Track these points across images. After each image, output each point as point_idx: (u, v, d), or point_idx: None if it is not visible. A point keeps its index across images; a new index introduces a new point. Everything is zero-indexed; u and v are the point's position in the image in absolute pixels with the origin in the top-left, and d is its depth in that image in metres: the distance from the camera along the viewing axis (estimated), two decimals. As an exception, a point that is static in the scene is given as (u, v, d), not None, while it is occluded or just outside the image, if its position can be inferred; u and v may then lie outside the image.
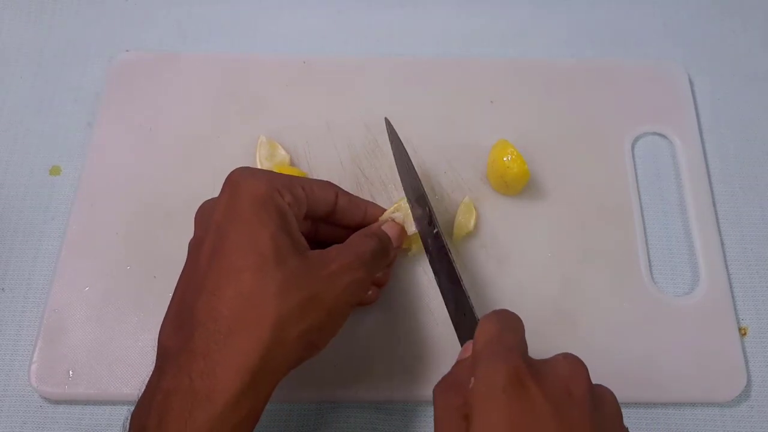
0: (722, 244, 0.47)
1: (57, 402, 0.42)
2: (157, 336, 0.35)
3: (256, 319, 0.32)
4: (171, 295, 0.44)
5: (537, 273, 0.45)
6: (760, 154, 0.51)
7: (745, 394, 0.43)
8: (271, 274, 0.33)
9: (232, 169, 0.48)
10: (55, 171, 0.50)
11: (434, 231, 0.41)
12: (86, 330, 0.43)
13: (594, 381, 0.31)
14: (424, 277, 0.45)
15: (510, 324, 0.33)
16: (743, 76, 0.54)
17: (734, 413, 0.42)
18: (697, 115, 0.51)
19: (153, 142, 0.50)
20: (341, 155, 0.49)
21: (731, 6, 0.57)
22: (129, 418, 0.33)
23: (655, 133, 0.51)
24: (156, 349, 0.34)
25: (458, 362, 0.34)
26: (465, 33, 0.56)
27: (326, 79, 0.52)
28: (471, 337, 0.33)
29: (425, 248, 0.41)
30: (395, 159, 0.45)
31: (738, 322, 0.44)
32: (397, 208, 0.43)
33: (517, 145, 0.45)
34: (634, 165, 0.49)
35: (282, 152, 0.48)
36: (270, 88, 0.52)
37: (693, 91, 0.52)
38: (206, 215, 0.36)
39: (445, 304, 0.40)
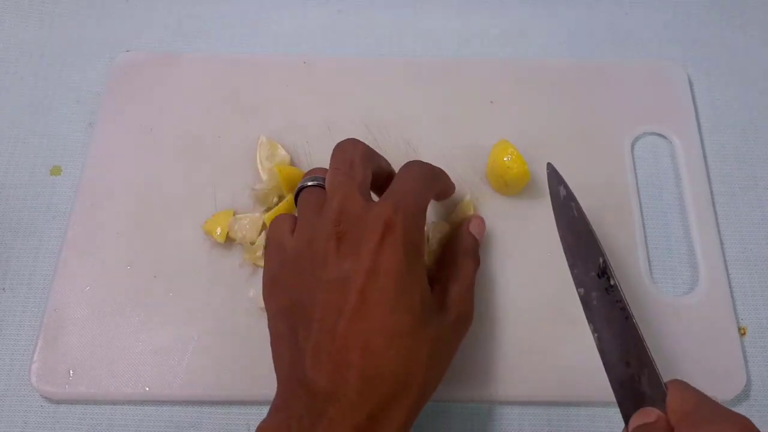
0: (722, 244, 0.47)
1: (57, 402, 0.43)
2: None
3: (413, 381, 0.34)
4: (172, 294, 0.44)
5: (537, 273, 0.45)
6: (759, 155, 0.51)
7: (745, 394, 0.43)
8: (422, 338, 0.34)
9: (232, 168, 0.49)
10: (55, 171, 0.50)
11: (610, 283, 0.36)
12: (87, 330, 0.43)
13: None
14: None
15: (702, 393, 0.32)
16: (743, 77, 0.54)
17: (734, 413, 0.42)
18: (697, 115, 0.51)
19: (153, 142, 0.50)
20: (341, 155, 0.49)
21: (731, 6, 0.57)
22: None
23: (654, 134, 0.51)
24: (288, 375, 0.34)
25: (643, 427, 0.32)
26: (465, 33, 0.56)
27: (326, 79, 0.52)
28: (648, 403, 0.32)
29: (583, 301, 0.37)
30: (553, 203, 0.40)
31: (737, 322, 0.44)
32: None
33: (517, 145, 0.45)
34: (634, 165, 0.49)
35: (282, 152, 0.48)
36: (270, 88, 0.52)
37: (692, 92, 0.52)
38: (347, 251, 0.34)
39: (606, 366, 0.35)
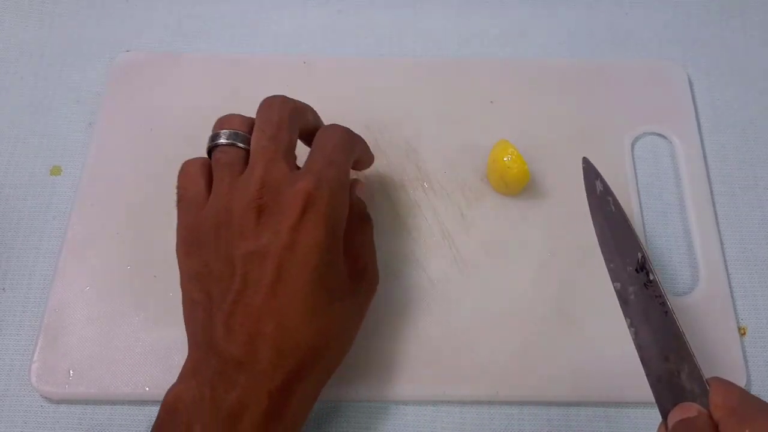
0: (722, 243, 0.47)
1: (57, 402, 0.43)
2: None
3: (327, 354, 0.35)
4: (172, 294, 0.44)
5: (537, 273, 0.45)
6: (759, 155, 0.51)
7: (745, 393, 0.43)
8: (337, 314, 0.35)
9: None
10: (55, 171, 0.50)
11: (650, 278, 0.36)
12: (87, 330, 0.43)
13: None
14: (423, 276, 0.45)
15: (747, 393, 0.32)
16: (743, 77, 0.54)
17: (734, 413, 0.42)
18: (697, 115, 0.51)
19: (153, 142, 0.50)
20: (341, 155, 0.49)
21: (731, 6, 0.57)
22: (167, 402, 0.34)
23: (654, 134, 0.51)
24: (200, 340, 0.35)
25: (685, 421, 0.31)
26: (465, 33, 0.56)
27: (326, 79, 0.52)
28: (687, 398, 0.32)
29: (620, 296, 0.36)
30: (588, 198, 0.40)
31: (737, 322, 0.44)
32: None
33: (517, 145, 0.45)
34: (634, 165, 0.49)
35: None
36: (270, 88, 0.52)
37: (692, 92, 0.52)
38: (266, 225, 0.34)
39: (643, 362, 0.34)
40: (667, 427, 0.32)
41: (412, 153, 0.49)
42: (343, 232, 0.37)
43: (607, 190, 0.39)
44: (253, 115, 0.40)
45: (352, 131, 0.41)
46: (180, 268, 0.38)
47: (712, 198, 0.48)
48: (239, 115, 0.39)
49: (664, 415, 0.32)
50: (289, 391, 0.34)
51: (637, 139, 0.50)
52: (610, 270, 0.37)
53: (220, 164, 0.38)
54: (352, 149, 0.40)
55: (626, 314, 0.35)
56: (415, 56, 0.54)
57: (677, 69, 0.53)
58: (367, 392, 0.42)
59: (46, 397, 0.42)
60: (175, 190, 0.39)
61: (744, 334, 0.44)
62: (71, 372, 0.42)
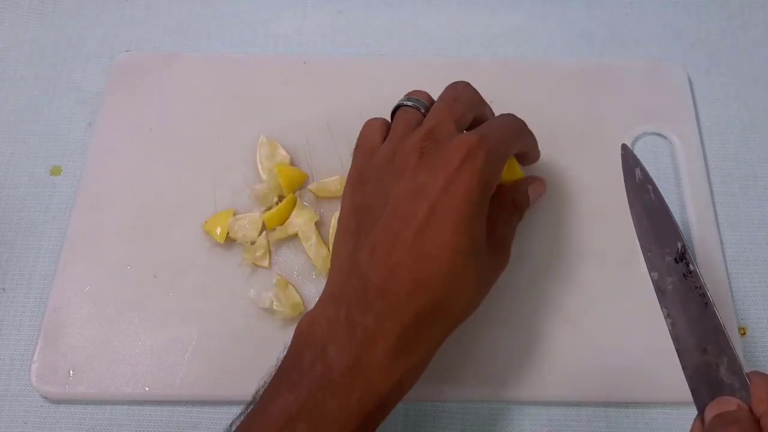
0: (722, 244, 0.47)
1: (57, 402, 0.43)
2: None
3: (458, 301, 0.36)
4: (172, 294, 0.44)
5: (537, 273, 0.45)
6: (759, 155, 0.51)
7: (745, 393, 0.43)
8: (474, 264, 0.36)
9: (232, 168, 0.49)
10: (55, 171, 0.50)
11: (689, 268, 0.35)
12: (87, 330, 0.43)
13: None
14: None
15: None
16: (743, 77, 0.54)
17: (734, 413, 0.42)
18: (697, 115, 0.51)
19: (153, 142, 0.50)
20: (341, 155, 0.49)
21: (731, 6, 0.57)
22: (301, 326, 0.36)
23: (654, 133, 0.51)
24: (343, 263, 0.36)
25: (724, 415, 0.30)
26: (465, 33, 0.56)
27: (326, 79, 0.52)
28: (726, 392, 0.31)
29: (657, 285, 0.35)
30: (627, 185, 0.39)
31: (737, 322, 0.44)
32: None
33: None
34: (634, 165, 0.49)
35: (282, 152, 0.48)
36: (270, 88, 0.52)
37: (692, 91, 0.52)
38: (427, 165, 0.36)
39: (680, 353, 0.34)
40: (703, 422, 0.31)
41: (412, 153, 0.49)
42: (490, 196, 0.38)
43: (646, 178, 0.38)
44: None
45: (524, 123, 0.42)
46: (342, 205, 0.40)
47: (712, 198, 0.48)
48: (424, 91, 0.42)
49: (701, 409, 0.31)
50: (420, 327, 0.34)
51: (637, 138, 0.50)
52: (647, 259, 0.36)
53: (398, 119, 0.41)
54: (521, 133, 0.42)
55: (663, 304, 0.35)
56: (415, 56, 0.54)
57: (677, 69, 0.53)
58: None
59: (46, 397, 0.42)
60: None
61: (744, 334, 0.44)
62: (71, 372, 0.42)
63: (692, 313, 0.34)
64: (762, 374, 0.31)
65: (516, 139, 0.41)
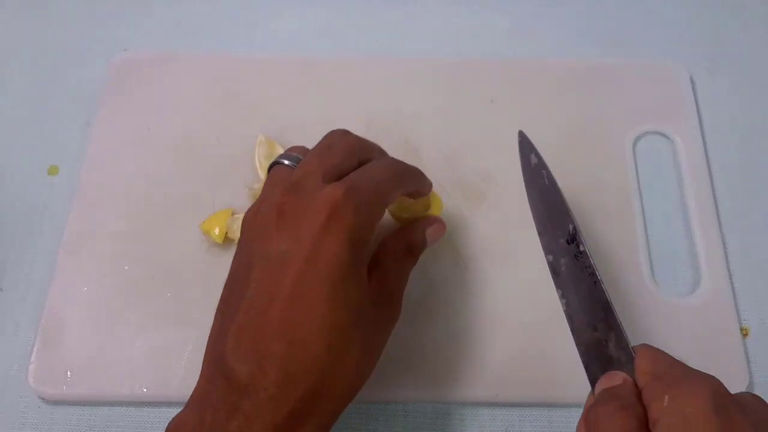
0: (724, 243, 0.46)
1: (55, 403, 0.42)
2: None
3: (342, 380, 0.32)
4: (170, 295, 0.44)
5: (537, 273, 0.45)
6: (762, 154, 0.51)
7: (747, 394, 0.42)
8: (356, 335, 0.32)
9: (231, 168, 0.49)
10: (53, 171, 0.50)
11: (580, 249, 0.36)
12: (85, 331, 0.43)
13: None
14: (423, 277, 0.44)
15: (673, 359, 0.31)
16: (745, 76, 0.54)
17: (736, 414, 0.42)
18: (699, 114, 0.51)
19: (152, 142, 0.49)
20: (341, 155, 0.49)
21: (732, 5, 0.57)
22: None
23: (656, 133, 0.51)
24: (212, 359, 0.32)
25: (608, 390, 0.31)
26: (465, 33, 0.56)
27: (326, 79, 0.52)
28: (615, 367, 0.32)
29: (552, 268, 0.36)
30: (523, 171, 0.40)
31: (740, 323, 0.44)
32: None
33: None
34: (635, 165, 0.49)
35: (281, 152, 0.48)
36: (270, 88, 0.52)
37: (695, 91, 0.52)
38: (287, 231, 0.33)
39: (573, 332, 0.34)
40: (594, 397, 0.31)
41: (412, 152, 0.49)
42: (369, 252, 0.35)
43: (541, 164, 0.39)
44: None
45: (407, 164, 0.39)
46: None
47: (714, 197, 0.48)
48: (305, 147, 0.39)
49: (593, 383, 0.32)
50: (298, 422, 0.31)
51: (638, 138, 0.50)
52: (543, 242, 0.37)
53: (268, 178, 0.38)
54: (402, 177, 0.38)
55: (558, 285, 0.35)
56: (415, 56, 0.54)
57: (679, 68, 0.53)
58: (366, 394, 0.41)
59: (43, 399, 0.42)
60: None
61: (746, 334, 0.44)
62: (69, 373, 0.42)
63: (583, 292, 0.35)
64: (647, 346, 0.31)
65: (395, 183, 0.37)
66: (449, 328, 0.43)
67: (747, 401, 0.28)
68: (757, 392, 0.42)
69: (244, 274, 0.33)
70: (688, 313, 0.44)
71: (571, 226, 0.37)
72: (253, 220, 0.35)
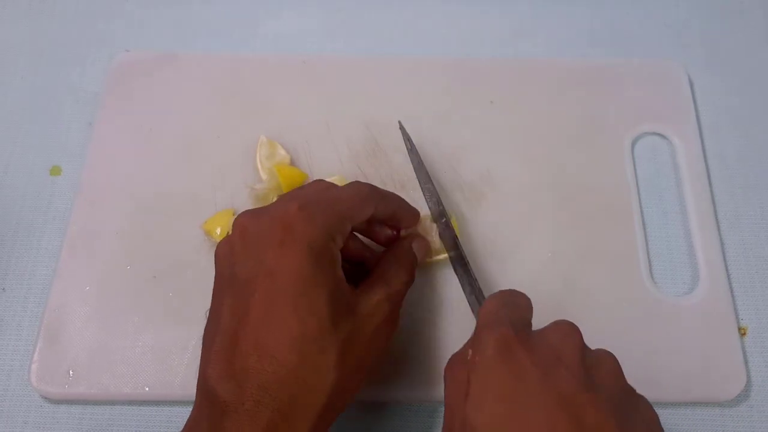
0: (722, 243, 0.47)
1: (57, 402, 0.42)
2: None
3: (318, 387, 0.32)
4: (171, 294, 0.44)
5: (537, 273, 0.45)
6: (760, 154, 0.51)
7: (745, 394, 0.43)
8: (330, 342, 0.33)
9: (232, 168, 0.49)
10: (55, 171, 0.50)
11: (443, 221, 0.42)
12: (86, 330, 0.43)
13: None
14: (423, 277, 0.45)
15: (511, 300, 0.34)
16: (743, 76, 0.54)
17: (734, 413, 0.42)
18: (697, 115, 0.51)
19: (153, 142, 0.50)
20: (341, 155, 0.49)
21: (731, 6, 0.57)
22: None
23: (655, 133, 0.51)
24: (199, 383, 0.33)
25: (467, 342, 0.35)
26: (465, 33, 0.56)
27: (326, 79, 0.52)
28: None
29: (444, 244, 0.43)
30: (411, 159, 0.46)
31: (738, 322, 0.44)
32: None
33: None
34: (634, 165, 0.49)
35: (282, 152, 0.48)
36: (270, 88, 0.52)
37: (693, 91, 0.52)
38: (250, 252, 0.34)
39: (464, 294, 0.41)
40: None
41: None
42: (333, 258, 0.35)
43: (414, 150, 0.46)
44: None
45: (384, 190, 0.40)
46: None
47: (713, 198, 0.48)
48: None
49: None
50: None
51: (637, 139, 0.50)
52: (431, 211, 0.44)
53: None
54: (370, 198, 0.38)
55: (450, 259, 0.44)
56: (415, 56, 0.54)
57: (678, 68, 0.53)
58: (366, 394, 0.42)
59: (45, 398, 0.42)
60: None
61: (744, 334, 0.44)
62: (71, 372, 0.42)
63: (457, 257, 0.42)
64: (489, 298, 0.35)
65: (358, 200, 0.37)
66: (449, 327, 0.43)
67: (541, 338, 0.31)
68: (755, 392, 0.43)
69: (218, 301, 0.34)
70: (687, 313, 0.44)
71: (439, 205, 0.44)
72: (222, 247, 0.36)
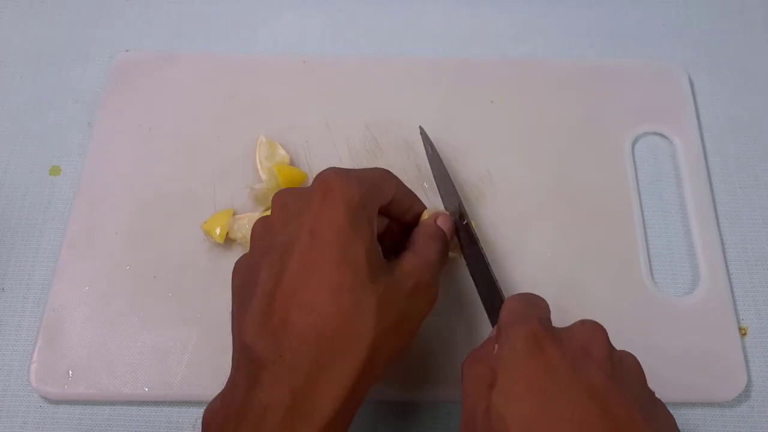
0: (722, 243, 0.47)
1: (57, 402, 0.42)
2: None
3: (356, 339, 0.32)
4: (171, 295, 0.44)
5: (537, 273, 0.45)
6: (760, 154, 0.51)
7: (745, 394, 0.43)
8: (368, 294, 0.33)
9: (232, 168, 0.49)
10: (54, 171, 0.50)
11: (464, 222, 0.42)
12: (86, 330, 0.43)
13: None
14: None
15: (532, 300, 0.35)
16: (744, 76, 0.54)
17: (734, 413, 0.42)
18: (698, 115, 0.51)
19: (153, 142, 0.50)
20: (341, 155, 0.49)
21: (731, 6, 0.57)
22: (204, 419, 0.33)
23: (655, 133, 0.51)
24: (236, 347, 0.33)
25: (486, 340, 0.35)
26: (465, 33, 0.56)
27: (326, 79, 0.52)
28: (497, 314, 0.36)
29: (460, 244, 0.42)
30: (429, 160, 0.47)
31: (738, 322, 0.44)
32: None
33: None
34: (634, 165, 0.49)
35: (282, 152, 0.48)
36: (270, 88, 0.52)
37: (693, 91, 0.52)
38: (290, 219, 0.34)
39: (479, 293, 0.41)
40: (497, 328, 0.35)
41: (412, 153, 0.49)
42: (369, 219, 0.35)
43: (435, 152, 0.46)
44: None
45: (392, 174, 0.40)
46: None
47: (713, 198, 0.48)
48: None
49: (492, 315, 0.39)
50: (316, 384, 0.31)
51: (637, 138, 0.50)
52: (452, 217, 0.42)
53: None
54: (391, 177, 0.39)
55: (465, 257, 0.42)
56: (415, 56, 0.54)
57: (678, 69, 0.53)
58: (371, 393, 0.42)
59: (45, 398, 0.42)
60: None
61: (745, 334, 0.44)
62: (70, 372, 0.42)
63: (474, 257, 0.42)
64: (509, 300, 0.36)
65: (386, 179, 0.38)
66: (450, 327, 0.43)
67: (569, 334, 0.32)
68: (755, 392, 0.43)
69: (254, 266, 0.34)
70: (687, 313, 0.44)
71: (457, 203, 0.43)
72: (260, 224, 0.36)
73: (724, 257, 0.46)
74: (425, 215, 0.42)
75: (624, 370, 0.32)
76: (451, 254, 0.44)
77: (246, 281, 0.35)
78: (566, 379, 0.30)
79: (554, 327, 0.33)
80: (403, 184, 0.40)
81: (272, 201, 0.37)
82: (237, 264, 0.37)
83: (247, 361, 0.32)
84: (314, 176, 0.36)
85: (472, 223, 0.43)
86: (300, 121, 0.50)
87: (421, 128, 0.47)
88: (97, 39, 0.56)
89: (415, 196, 0.42)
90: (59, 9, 0.57)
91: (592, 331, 0.33)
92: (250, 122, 0.50)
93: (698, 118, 0.51)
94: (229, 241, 0.45)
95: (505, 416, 0.30)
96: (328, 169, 0.36)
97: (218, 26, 0.56)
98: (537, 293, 0.44)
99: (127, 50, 0.54)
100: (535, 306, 0.35)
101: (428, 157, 0.47)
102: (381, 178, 0.38)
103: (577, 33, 0.56)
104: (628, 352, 0.33)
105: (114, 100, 0.51)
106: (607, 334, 0.33)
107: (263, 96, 0.52)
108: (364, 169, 0.38)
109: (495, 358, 0.32)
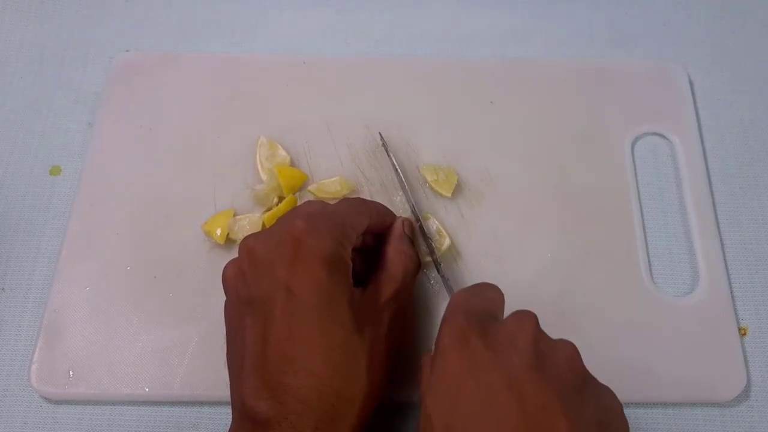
0: (722, 244, 0.47)
1: (57, 402, 0.42)
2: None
3: (356, 392, 0.33)
4: (171, 295, 0.44)
5: (537, 273, 0.45)
6: (760, 154, 0.51)
7: (745, 394, 0.43)
8: (358, 347, 0.34)
9: (232, 168, 0.49)
10: (55, 171, 0.50)
11: (418, 224, 0.44)
12: (86, 330, 0.43)
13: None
14: (423, 277, 0.45)
15: (479, 293, 0.35)
16: (743, 76, 0.54)
17: (734, 413, 0.42)
18: (697, 115, 0.51)
19: (153, 142, 0.50)
20: (341, 155, 0.49)
21: (731, 6, 0.57)
22: None
23: (654, 134, 0.51)
24: (235, 402, 0.34)
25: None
26: (465, 33, 0.56)
27: (326, 79, 0.52)
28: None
29: (429, 247, 0.43)
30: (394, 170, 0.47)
31: (738, 322, 0.44)
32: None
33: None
34: (634, 165, 0.49)
35: (282, 152, 0.48)
36: (270, 88, 0.52)
37: (693, 91, 0.52)
38: (261, 272, 0.34)
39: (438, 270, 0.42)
40: None
41: (412, 153, 0.49)
42: (345, 264, 0.35)
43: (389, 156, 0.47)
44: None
45: (368, 200, 0.42)
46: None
47: (713, 198, 0.48)
48: None
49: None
50: None
51: (637, 139, 0.50)
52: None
53: None
54: (364, 209, 0.40)
55: (434, 262, 0.43)
56: (415, 56, 0.54)
57: (678, 69, 0.53)
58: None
59: (45, 398, 0.42)
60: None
61: (744, 334, 0.44)
62: (71, 372, 0.42)
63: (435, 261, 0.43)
64: (452, 296, 0.36)
65: (355, 211, 0.39)
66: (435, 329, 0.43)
67: (497, 327, 0.32)
68: (755, 392, 0.43)
69: (238, 323, 0.35)
70: (687, 313, 0.44)
71: (411, 207, 0.44)
72: (230, 270, 0.36)
73: (724, 257, 0.46)
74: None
75: (555, 358, 0.31)
76: (425, 260, 0.44)
77: (234, 331, 0.35)
78: (486, 371, 0.30)
79: (487, 320, 0.33)
80: (377, 206, 0.41)
81: (239, 246, 0.36)
82: (225, 306, 0.37)
83: (250, 422, 0.32)
84: (277, 218, 0.37)
85: (438, 222, 0.45)
86: (300, 121, 0.50)
87: (380, 135, 0.48)
88: (97, 39, 0.56)
89: (387, 210, 0.42)
90: (59, 9, 0.57)
91: (519, 321, 0.32)
92: (250, 123, 0.50)
93: (698, 118, 0.51)
94: (229, 241, 0.45)
95: (431, 415, 0.30)
96: (295, 215, 0.36)
97: (218, 26, 0.56)
98: (537, 294, 0.44)
99: (127, 50, 0.54)
100: (480, 299, 0.35)
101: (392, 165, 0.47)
102: (354, 212, 0.38)
103: (577, 33, 0.56)
104: (564, 340, 0.33)
105: (114, 100, 0.51)
106: (536, 321, 0.33)
107: (263, 96, 0.52)
108: (335, 204, 0.39)
109: (432, 357, 0.33)
